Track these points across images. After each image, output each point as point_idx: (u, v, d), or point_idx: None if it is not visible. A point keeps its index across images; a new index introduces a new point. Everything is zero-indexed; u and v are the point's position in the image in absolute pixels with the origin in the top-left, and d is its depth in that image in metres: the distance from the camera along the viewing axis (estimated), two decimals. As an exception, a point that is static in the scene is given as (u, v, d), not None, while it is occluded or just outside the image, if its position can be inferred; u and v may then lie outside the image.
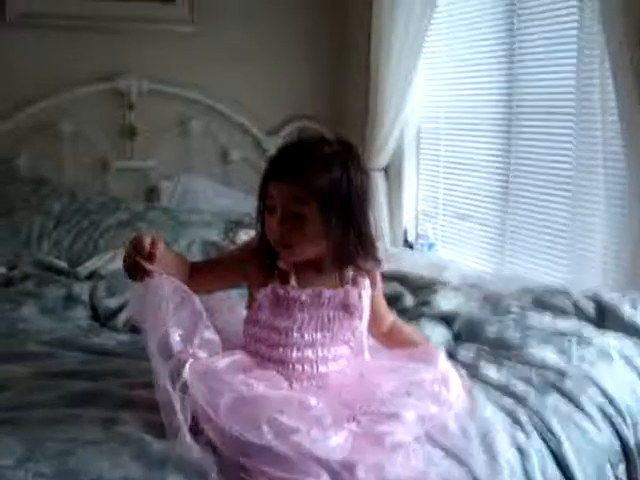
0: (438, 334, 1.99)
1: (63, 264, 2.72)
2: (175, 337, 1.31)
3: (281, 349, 1.45)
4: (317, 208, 1.40)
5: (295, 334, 1.45)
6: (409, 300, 2.32)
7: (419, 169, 3.54)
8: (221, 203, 3.47)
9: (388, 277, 2.49)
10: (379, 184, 3.53)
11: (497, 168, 3.00)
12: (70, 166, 3.34)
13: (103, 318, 2.21)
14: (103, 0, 3.35)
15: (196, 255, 2.83)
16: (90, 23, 3.32)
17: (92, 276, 2.61)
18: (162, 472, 1.24)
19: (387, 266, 2.68)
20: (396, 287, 2.42)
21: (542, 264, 2.79)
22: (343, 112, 3.85)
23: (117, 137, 3.43)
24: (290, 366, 1.45)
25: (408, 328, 1.74)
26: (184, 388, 1.28)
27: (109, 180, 3.43)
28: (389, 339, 1.65)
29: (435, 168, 3.42)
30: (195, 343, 1.33)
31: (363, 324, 1.53)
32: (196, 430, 1.29)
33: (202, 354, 1.33)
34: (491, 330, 1.93)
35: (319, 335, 1.46)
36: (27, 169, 3.27)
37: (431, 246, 3.34)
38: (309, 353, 1.46)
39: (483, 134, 3.07)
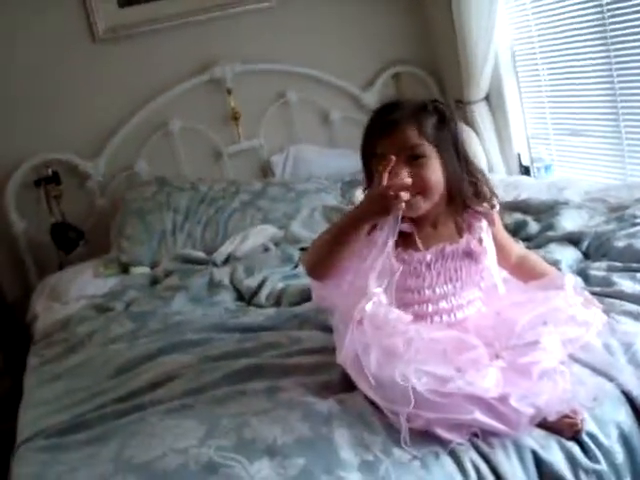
0: (568, 256, 2.00)
1: (200, 254, 2.88)
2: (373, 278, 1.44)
3: (416, 306, 1.53)
4: (434, 149, 1.47)
5: (427, 291, 1.53)
6: (533, 227, 2.32)
7: (521, 92, 3.47)
8: (332, 165, 3.55)
9: (509, 207, 2.51)
10: (484, 114, 3.51)
11: (601, 75, 2.88)
12: (185, 160, 3.50)
13: (247, 297, 2.36)
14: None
15: (319, 222, 2.93)
16: (172, 23, 3.42)
17: (228, 260, 2.76)
18: (329, 428, 1.35)
19: (506, 196, 2.72)
20: (518, 216, 2.43)
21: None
22: (434, 50, 3.82)
23: (222, 123, 3.55)
24: (429, 319, 1.53)
25: (535, 257, 1.75)
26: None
27: (224, 166, 3.56)
28: (519, 270, 1.68)
29: (537, 88, 3.34)
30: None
31: (490, 263, 1.57)
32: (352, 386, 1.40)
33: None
34: (620, 243, 1.92)
35: (450, 286, 1.54)
36: (147, 171, 3.44)
37: (548, 168, 3.27)
38: (444, 304, 1.53)
39: (580, 43, 2.96)
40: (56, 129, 3.32)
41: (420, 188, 1.45)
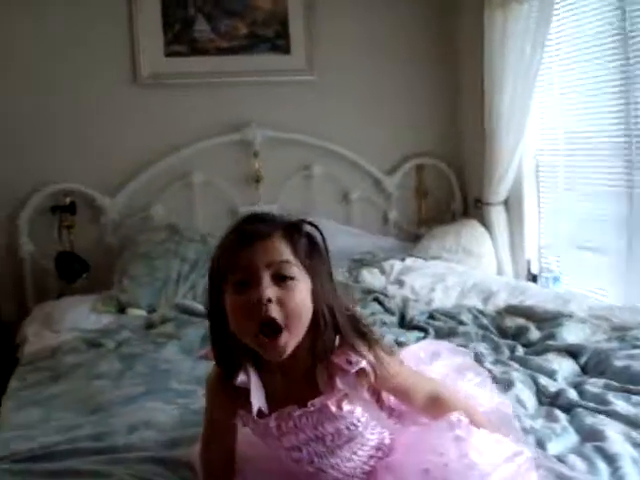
0: (565, 367, 1.98)
1: (200, 306, 2.86)
2: None
3: (302, 464, 1.30)
4: (305, 274, 1.23)
5: (304, 452, 1.28)
6: (535, 333, 2.31)
7: (540, 201, 3.51)
8: (343, 242, 3.56)
9: (513, 311, 2.52)
10: (500, 217, 3.55)
11: (620, 196, 2.92)
12: (201, 213, 3.53)
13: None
14: (223, 55, 3.57)
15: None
16: (214, 79, 3.53)
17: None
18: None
19: (511, 299, 2.73)
20: (521, 321, 2.43)
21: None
22: (460, 147, 3.90)
23: (244, 184, 3.60)
24: (322, 473, 1.30)
25: (452, 397, 1.38)
26: None
27: (238, 225, 3.58)
28: (431, 411, 1.35)
29: (556, 199, 3.38)
30: None
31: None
32: None
33: None
34: (619, 363, 1.90)
35: (319, 445, 1.27)
36: (161, 217, 3.47)
37: (556, 279, 3.28)
38: (334, 460, 1.29)
39: (603, 162, 3.02)
40: (82, 161, 3.39)
41: (288, 318, 1.18)
